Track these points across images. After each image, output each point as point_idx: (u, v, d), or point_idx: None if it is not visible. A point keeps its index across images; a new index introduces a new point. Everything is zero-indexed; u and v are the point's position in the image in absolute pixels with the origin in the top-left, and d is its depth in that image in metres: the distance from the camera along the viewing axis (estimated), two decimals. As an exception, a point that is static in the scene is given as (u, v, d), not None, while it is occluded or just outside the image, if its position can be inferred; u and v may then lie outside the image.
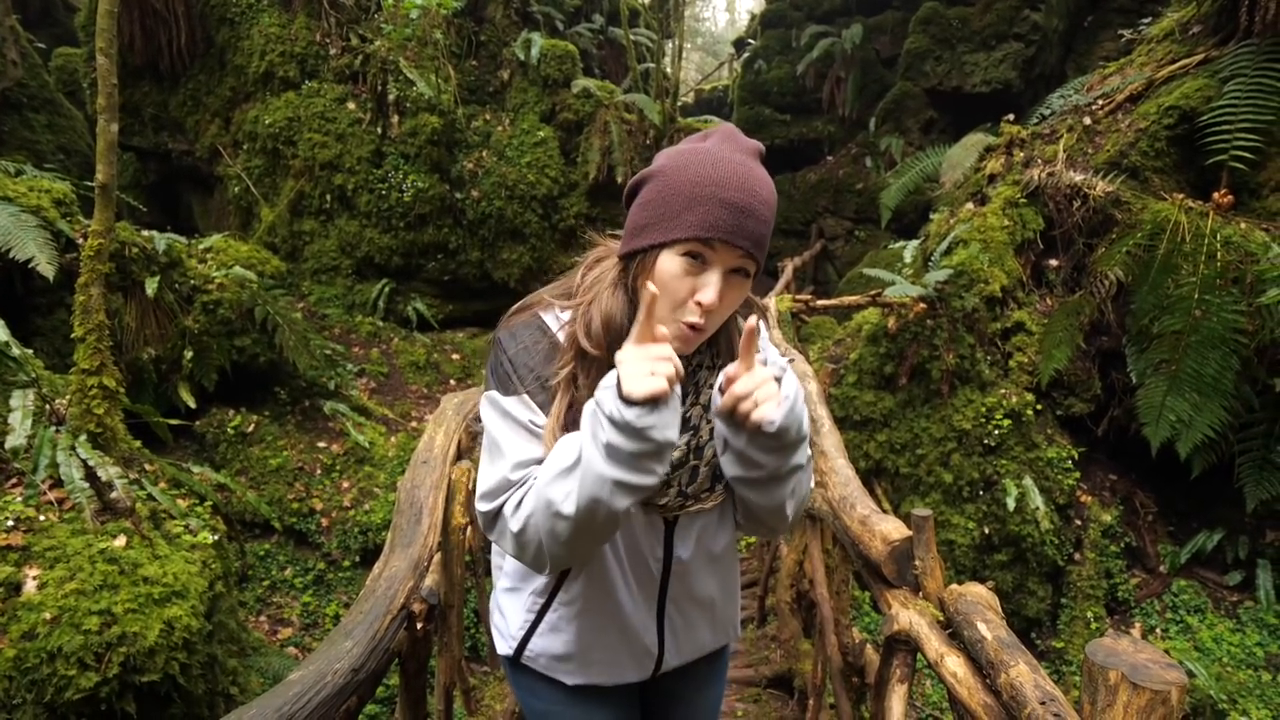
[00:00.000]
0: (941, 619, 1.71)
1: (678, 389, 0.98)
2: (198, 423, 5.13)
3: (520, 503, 1.08)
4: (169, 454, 4.52)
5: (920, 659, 1.79)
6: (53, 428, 2.88)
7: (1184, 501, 4.76)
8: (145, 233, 4.91)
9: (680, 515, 1.20)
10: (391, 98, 7.39)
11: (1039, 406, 4.65)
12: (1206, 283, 4.06)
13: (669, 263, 1.03)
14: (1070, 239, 4.91)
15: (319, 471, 5.34)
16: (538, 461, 1.09)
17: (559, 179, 7.86)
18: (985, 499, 4.58)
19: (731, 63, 17.72)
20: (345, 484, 5.34)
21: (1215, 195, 4.49)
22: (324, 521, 5.09)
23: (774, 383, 1.04)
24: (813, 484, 1.25)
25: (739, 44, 15.88)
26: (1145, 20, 6.52)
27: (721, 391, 1.04)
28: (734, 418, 1.03)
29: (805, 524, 3.10)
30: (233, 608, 3.17)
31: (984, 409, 4.60)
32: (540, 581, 1.25)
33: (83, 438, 2.85)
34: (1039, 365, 4.64)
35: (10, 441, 2.70)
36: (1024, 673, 1.34)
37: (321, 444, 5.53)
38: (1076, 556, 4.60)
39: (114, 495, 2.70)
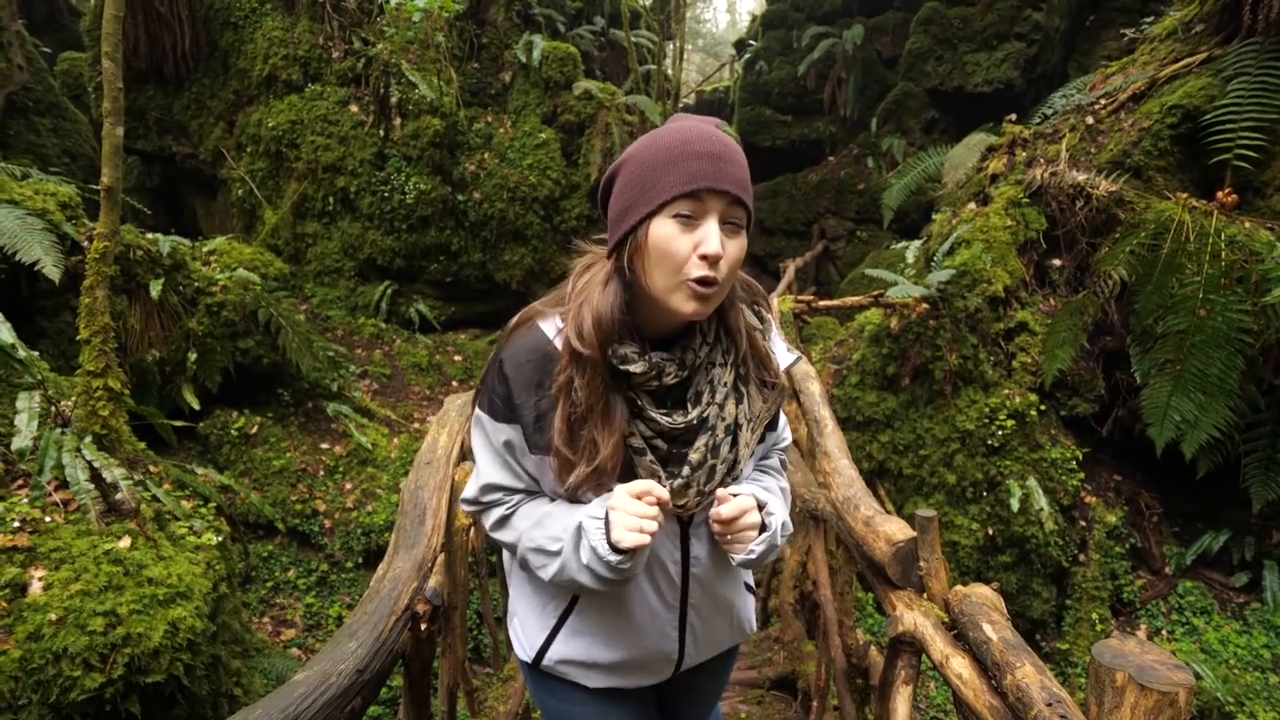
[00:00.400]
0: (946, 620, 1.71)
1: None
2: (201, 424, 5.14)
3: (501, 525, 1.23)
4: (173, 455, 4.53)
5: (925, 660, 1.78)
6: (58, 429, 2.89)
7: (1189, 502, 4.74)
8: (149, 235, 4.92)
9: (696, 515, 1.21)
10: (394, 100, 7.40)
11: (1043, 407, 4.64)
12: (1211, 282, 4.05)
13: (661, 228, 1.03)
14: (1073, 238, 4.90)
15: (322, 473, 5.35)
16: (503, 489, 1.21)
17: (560, 181, 7.87)
18: (989, 500, 4.56)
19: (732, 64, 17.72)
20: (348, 485, 5.35)
21: (1219, 194, 4.48)
22: (327, 523, 5.10)
23: (756, 514, 1.13)
24: (787, 508, 1.29)
25: (740, 45, 15.88)
26: (1148, 19, 6.51)
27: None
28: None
29: (809, 525, 3.09)
30: (236, 609, 3.18)
31: (987, 409, 4.59)
32: (559, 590, 1.25)
33: (88, 439, 2.86)
34: (1042, 365, 4.63)
35: (16, 443, 2.71)
36: (1030, 674, 1.33)
37: (324, 445, 5.54)
38: (1081, 558, 4.59)
39: (119, 496, 2.70)
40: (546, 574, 1.14)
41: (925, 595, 1.83)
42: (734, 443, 1.15)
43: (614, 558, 1.04)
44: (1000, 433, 4.54)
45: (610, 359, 1.07)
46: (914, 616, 1.75)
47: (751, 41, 14.00)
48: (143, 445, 3.38)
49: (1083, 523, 4.65)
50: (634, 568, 1.08)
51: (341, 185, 7.51)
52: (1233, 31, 4.80)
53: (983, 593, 1.67)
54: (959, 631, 1.64)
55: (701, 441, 1.13)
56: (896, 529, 1.94)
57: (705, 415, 1.13)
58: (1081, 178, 4.80)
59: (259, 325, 5.33)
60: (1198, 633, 4.30)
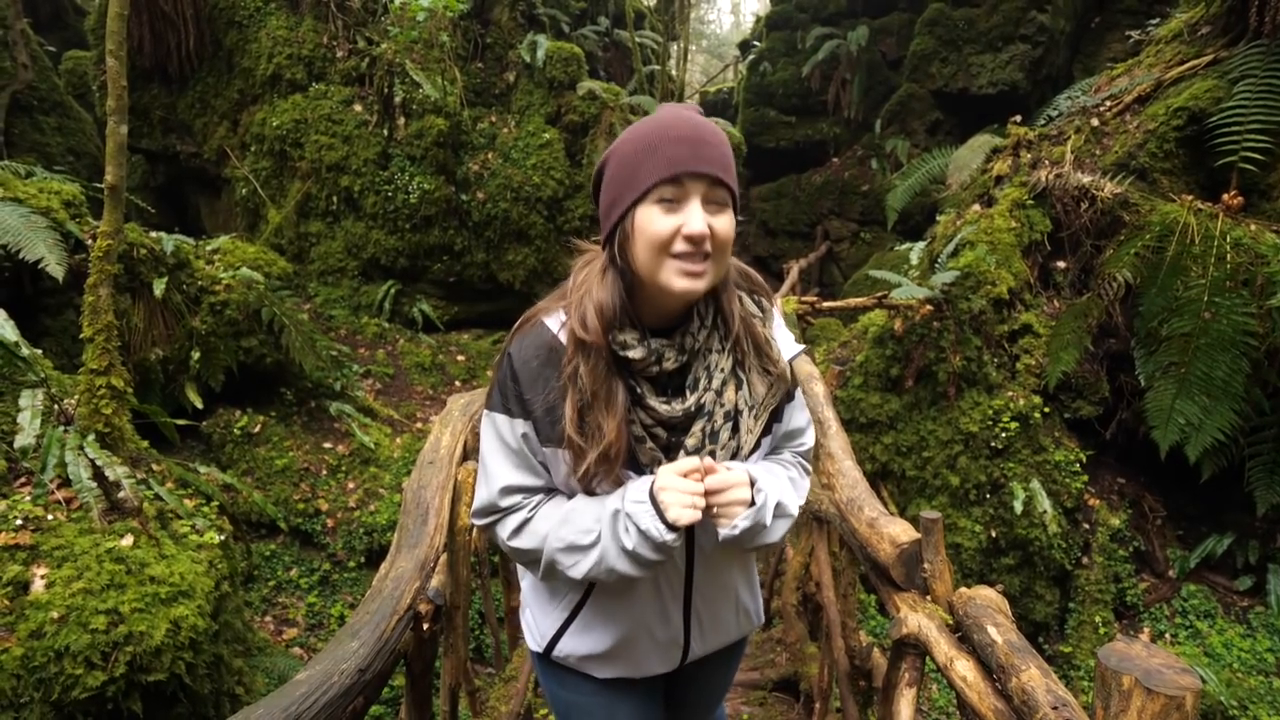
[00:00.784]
0: (950, 623, 1.70)
1: None
2: (204, 423, 5.15)
3: (519, 531, 1.18)
4: (176, 454, 4.54)
5: (929, 663, 1.78)
6: (61, 427, 2.89)
7: (1193, 505, 4.72)
8: (153, 234, 4.93)
9: None
10: (398, 100, 7.41)
11: (1046, 409, 4.63)
12: (1216, 285, 4.03)
13: (645, 215, 1.07)
14: (1078, 240, 4.89)
15: (325, 472, 5.35)
16: (523, 490, 1.18)
17: (564, 181, 7.86)
18: (992, 502, 4.55)
19: (736, 65, 17.72)
20: (351, 485, 5.35)
21: (1225, 197, 4.46)
22: (329, 522, 5.10)
23: (746, 488, 1.10)
24: (799, 499, 1.27)
25: (744, 46, 15.87)
26: (1153, 21, 6.49)
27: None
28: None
29: (812, 526, 3.08)
30: (239, 608, 3.18)
31: (991, 411, 4.57)
32: (571, 584, 1.27)
33: (91, 437, 2.86)
34: (1046, 367, 4.61)
35: (19, 441, 2.71)
36: (1035, 677, 1.32)
37: (327, 445, 5.55)
38: (1084, 560, 4.57)
39: (121, 495, 2.70)
40: (579, 570, 1.12)
41: (929, 597, 1.82)
42: (735, 429, 1.16)
43: (669, 537, 1.06)
44: (1004, 435, 4.53)
45: (612, 345, 1.11)
46: (918, 619, 1.75)
47: (756, 42, 14.00)
48: (146, 444, 3.38)
49: (1086, 525, 4.63)
50: (676, 542, 1.09)
51: (345, 185, 7.52)
52: (1239, 33, 4.79)
53: (987, 595, 1.66)
54: (963, 634, 1.63)
55: (698, 427, 1.15)
56: (900, 531, 1.93)
57: (702, 402, 1.15)
58: (1086, 180, 4.79)
59: (262, 324, 5.34)
60: (1201, 636, 4.28)
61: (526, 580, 1.40)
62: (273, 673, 3.51)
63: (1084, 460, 4.64)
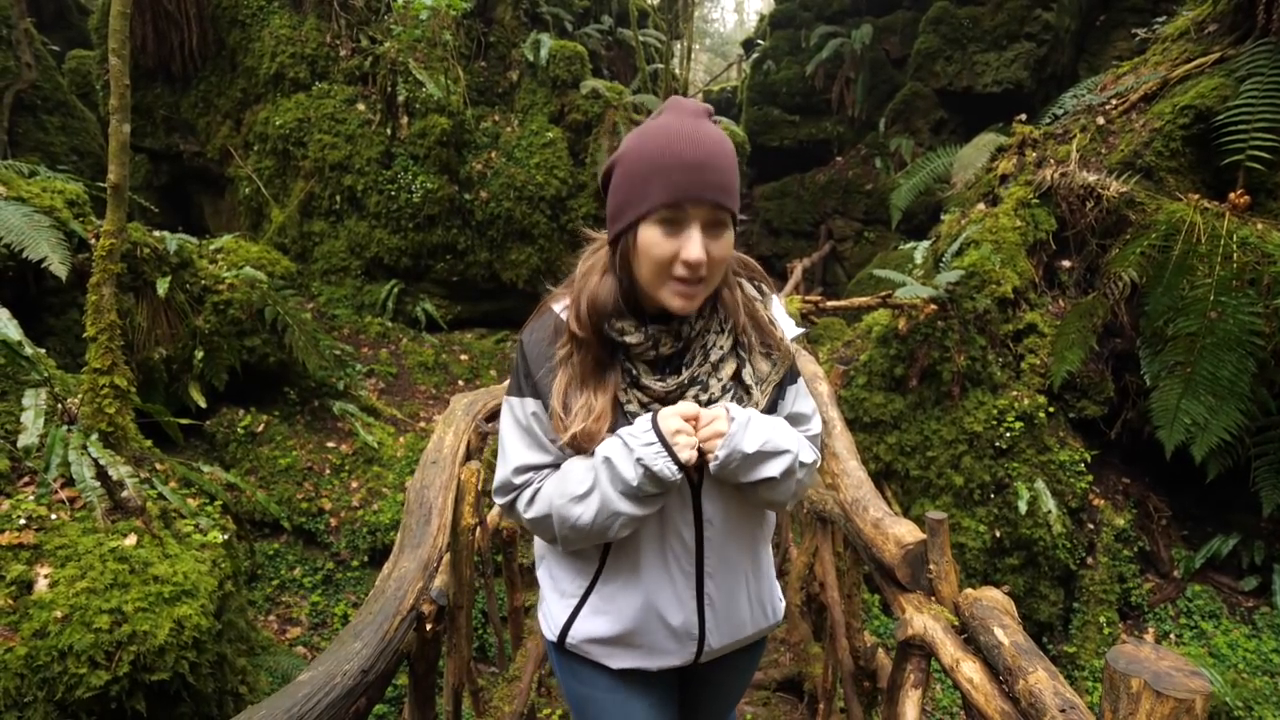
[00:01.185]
0: (956, 624, 1.69)
1: None
2: (208, 422, 5.15)
3: (532, 501, 1.25)
4: (179, 453, 4.54)
5: (934, 664, 1.77)
6: (64, 427, 2.89)
7: (1198, 506, 4.70)
8: (157, 233, 4.94)
9: (705, 480, 1.24)
10: (401, 99, 7.41)
11: (1051, 409, 4.61)
12: (1222, 284, 4.01)
13: (648, 234, 1.11)
14: (1083, 240, 4.87)
15: (328, 471, 5.35)
16: (535, 467, 1.26)
17: (567, 180, 7.86)
18: (996, 502, 4.54)
19: (740, 63, 17.68)
20: (354, 484, 5.36)
21: (1231, 195, 4.44)
22: (333, 521, 5.11)
23: (723, 421, 1.16)
24: (810, 477, 1.30)
25: (747, 45, 15.84)
26: (1159, 19, 6.46)
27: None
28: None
29: (816, 526, 3.07)
30: (242, 607, 3.18)
31: (995, 411, 4.56)
32: (583, 567, 1.31)
33: (94, 437, 2.86)
34: (1051, 367, 4.60)
35: (22, 440, 2.72)
36: (1043, 679, 1.31)
37: (330, 444, 5.55)
38: (1089, 560, 4.56)
39: (125, 494, 2.70)
40: (585, 518, 1.17)
41: (934, 599, 1.81)
42: (740, 403, 1.22)
43: (679, 475, 1.14)
44: (1008, 435, 4.51)
45: (606, 334, 1.18)
46: (924, 620, 1.73)
47: (759, 41, 13.97)
48: (149, 443, 3.38)
49: (1091, 526, 4.61)
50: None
51: (348, 184, 7.52)
52: (1246, 31, 4.76)
53: (993, 596, 1.65)
54: (969, 635, 1.62)
55: (690, 395, 1.20)
56: (906, 531, 1.92)
57: (696, 375, 1.21)
58: (1092, 178, 4.76)
59: (266, 324, 5.34)
60: (1206, 637, 4.26)
61: (542, 569, 1.41)
62: (276, 672, 3.51)
63: (1089, 460, 4.62)
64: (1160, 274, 4.32)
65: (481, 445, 3.14)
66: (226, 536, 3.00)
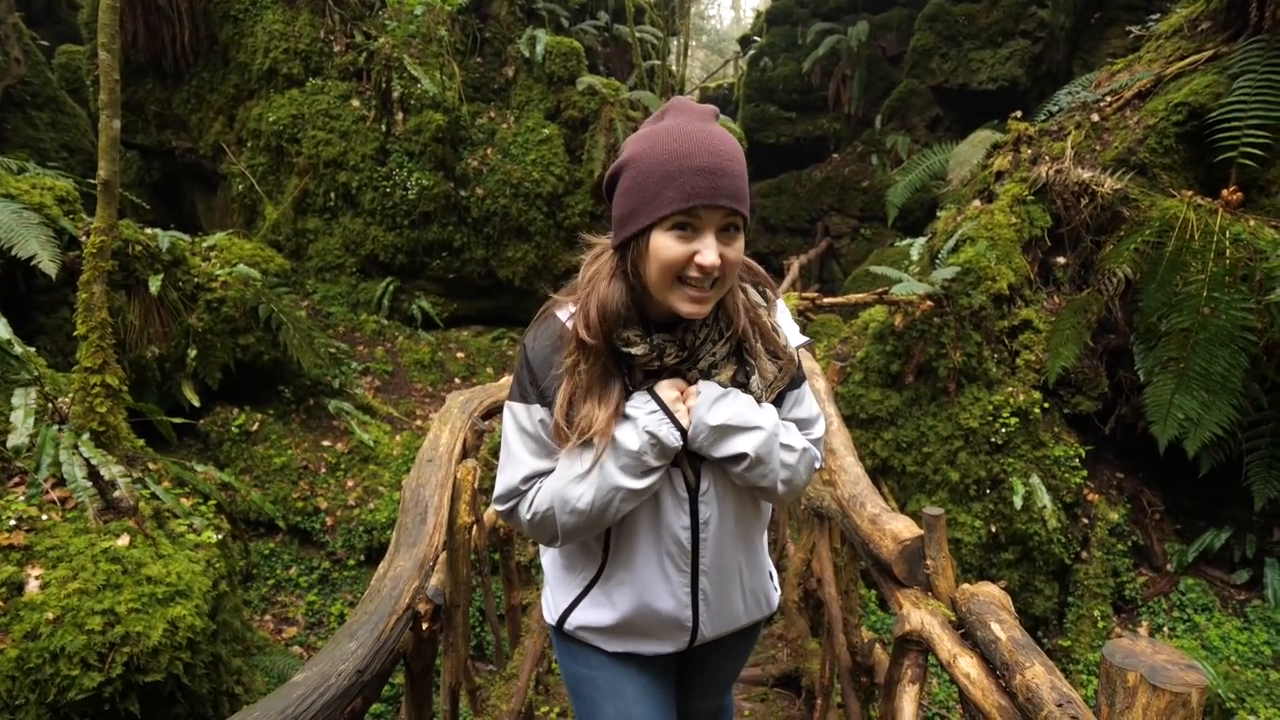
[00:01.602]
0: (953, 619, 1.69)
1: None
2: (202, 421, 5.13)
3: (533, 500, 1.25)
4: (173, 453, 4.51)
5: (930, 659, 1.77)
6: (55, 426, 2.87)
7: (1191, 500, 4.73)
8: (149, 230, 4.90)
9: (702, 484, 1.26)
10: (396, 95, 7.37)
11: (1046, 405, 4.62)
12: (1215, 280, 4.02)
13: (661, 240, 1.11)
14: (1078, 236, 4.88)
15: (323, 470, 5.33)
16: (541, 475, 1.26)
17: (564, 177, 7.83)
18: (992, 497, 4.55)
19: (737, 60, 17.66)
20: (350, 483, 5.34)
21: (1224, 192, 4.45)
22: (328, 520, 5.09)
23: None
24: (807, 472, 1.32)
25: (744, 41, 15.82)
26: (1153, 17, 6.47)
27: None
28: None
29: (813, 522, 3.08)
30: (237, 607, 3.16)
31: (991, 407, 4.57)
32: (586, 563, 1.35)
33: (85, 436, 2.84)
34: (1046, 363, 4.61)
35: (12, 440, 2.70)
36: (1040, 674, 1.32)
37: (326, 443, 5.53)
38: (1083, 555, 4.58)
39: (117, 494, 2.69)
40: (586, 499, 1.18)
41: (932, 594, 1.81)
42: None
43: (681, 443, 1.18)
44: (1003, 430, 4.53)
45: (614, 343, 1.17)
46: (921, 615, 1.74)
47: (756, 38, 13.96)
48: (142, 442, 3.36)
49: (1085, 520, 4.63)
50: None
51: (343, 181, 7.48)
52: (1239, 29, 4.77)
53: (990, 591, 1.65)
54: (966, 630, 1.62)
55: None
56: (903, 527, 1.92)
57: (696, 380, 1.22)
58: (1086, 175, 4.77)
59: (260, 322, 5.31)
60: (1199, 630, 4.29)
61: (547, 557, 1.46)
62: (272, 672, 3.50)
63: (1083, 455, 4.64)
64: (1154, 270, 4.33)
65: (478, 443, 3.13)
66: (221, 536, 2.99)
